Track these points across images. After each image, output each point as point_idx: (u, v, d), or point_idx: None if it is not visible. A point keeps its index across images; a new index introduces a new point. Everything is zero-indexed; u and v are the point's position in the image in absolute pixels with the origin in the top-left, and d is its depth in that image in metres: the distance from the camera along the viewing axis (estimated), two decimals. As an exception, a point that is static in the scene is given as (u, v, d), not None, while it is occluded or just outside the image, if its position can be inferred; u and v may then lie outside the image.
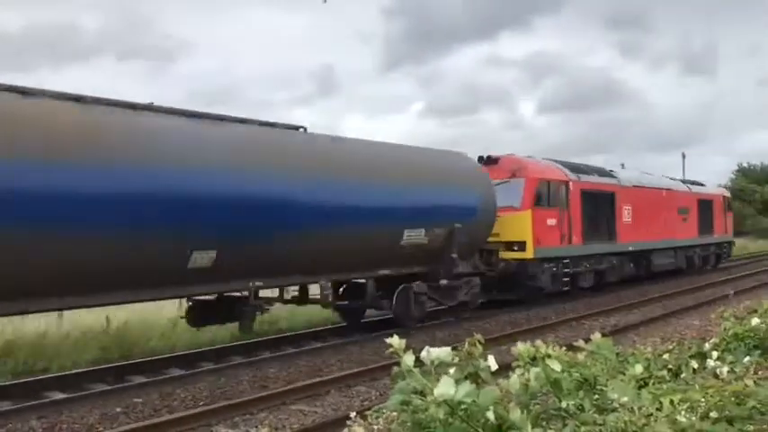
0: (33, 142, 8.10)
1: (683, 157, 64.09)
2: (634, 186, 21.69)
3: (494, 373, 2.66)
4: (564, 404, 2.60)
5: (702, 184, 29.48)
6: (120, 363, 11.17)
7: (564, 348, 2.90)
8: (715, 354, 4.09)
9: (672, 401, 2.69)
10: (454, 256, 14.01)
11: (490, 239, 15.64)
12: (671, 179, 26.69)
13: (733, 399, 2.69)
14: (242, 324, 11.49)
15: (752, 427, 2.56)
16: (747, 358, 4.01)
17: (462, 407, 2.30)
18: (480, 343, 2.70)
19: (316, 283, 12.10)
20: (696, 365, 3.88)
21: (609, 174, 21.26)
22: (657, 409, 2.63)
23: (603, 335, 3.38)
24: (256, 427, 7.80)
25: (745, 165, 69.26)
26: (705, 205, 27.09)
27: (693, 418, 2.54)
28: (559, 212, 17.72)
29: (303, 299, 12.90)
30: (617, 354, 3.50)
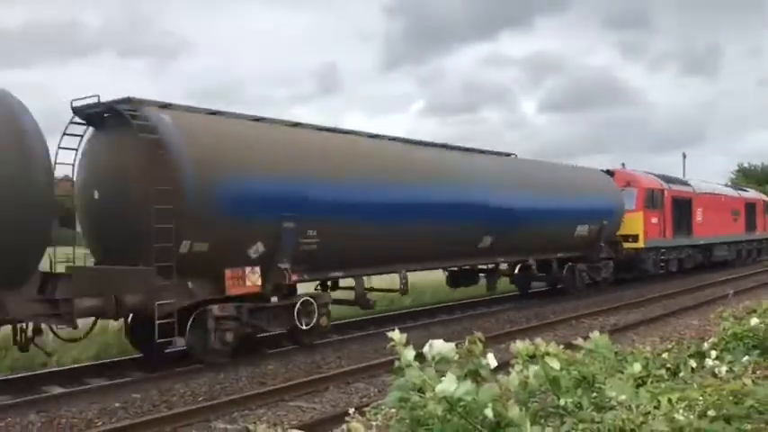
0: (410, 174, 13.91)
1: (684, 157, 64.09)
2: (703, 193, 27.52)
3: (493, 371, 2.66)
4: (562, 402, 2.61)
5: (746, 190, 35.64)
6: (120, 358, 11.19)
7: (563, 347, 2.90)
8: (714, 353, 4.10)
9: (670, 400, 2.70)
10: (602, 244, 19.98)
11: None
12: (724, 186, 34.23)
13: (731, 398, 2.70)
14: (489, 284, 17.50)
15: (750, 426, 2.56)
16: (746, 358, 4.02)
17: (461, 404, 2.31)
18: (480, 341, 2.70)
19: (528, 259, 17.74)
20: (695, 365, 3.88)
21: (687, 183, 27.29)
22: (655, 408, 2.64)
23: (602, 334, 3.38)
24: (255, 422, 7.80)
25: (745, 165, 69.39)
26: (750, 208, 32.87)
27: (691, 417, 2.54)
28: (659, 213, 23.30)
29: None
30: (615, 352, 3.50)
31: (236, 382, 9.70)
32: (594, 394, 2.80)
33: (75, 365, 10.65)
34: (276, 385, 9.32)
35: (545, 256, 18.22)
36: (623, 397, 2.72)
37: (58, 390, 9.25)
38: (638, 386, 3.12)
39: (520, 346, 2.74)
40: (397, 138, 14.96)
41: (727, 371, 3.57)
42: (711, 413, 2.60)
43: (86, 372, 10.28)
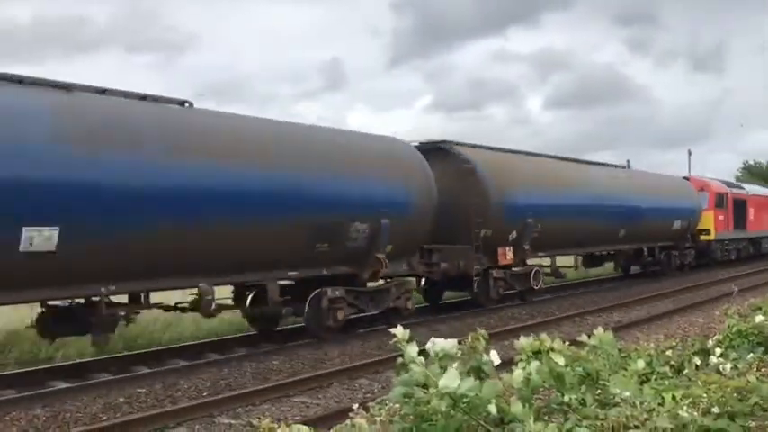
0: (594, 188, 19.61)
1: (689, 153, 63.82)
2: (755, 195, 33.03)
3: (497, 368, 2.66)
4: (566, 398, 2.61)
5: None
6: (125, 353, 11.22)
7: (567, 343, 2.90)
8: (718, 350, 4.09)
9: (674, 397, 2.70)
10: (689, 235, 25.57)
11: None
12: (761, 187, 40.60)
13: (735, 395, 2.70)
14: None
15: (753, 423, 2.56)
16: (750, 355, 4.01)
17: (465, 400, 2.31)
18: (484, 338, 2.70)
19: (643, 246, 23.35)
20: (699, 362, 3.88)
21: (741, 187, 33.13)
22: (659, 405, 2.64)
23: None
24: (258, 418, 7.81)
25: (751, 162, 69.27)
26: None
27: (695, 414, 2.54)
28: (724, 212, 28.49)
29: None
30: (619, 349, 3.50)
31: (239, 378, 9.72)
32: (598, 391, 2.80)
33: (81, 360, 10.69)
34: (280, 381, 9.34)
35: (653, 244, 23.71)
36: (627, 393, 2.72)
37: (62, 384, 9.28)
38: (642, 383, 3.12)
39: (524, 342, 2.74)
40: (578, 160, 21.33)
41: (731, 368, 3.57)
42: (715, 410, 2.60)
43: (91, 366, 10.31)
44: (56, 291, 8.84)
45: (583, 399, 2.66)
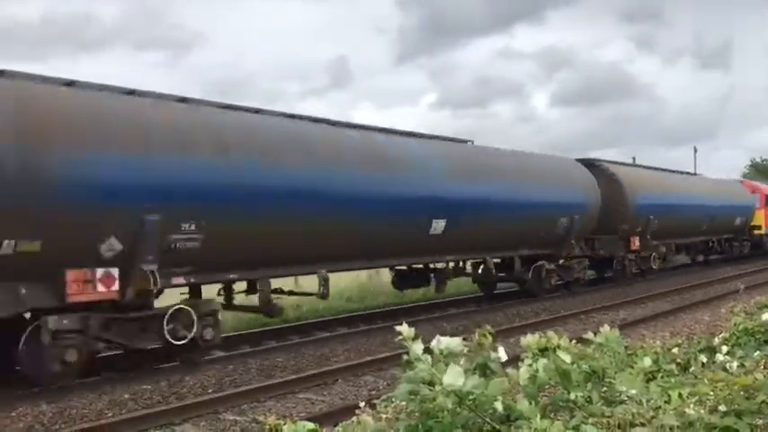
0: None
1: (695, 151, 63.85)
2: None
3: (503, 365, 2.66)
4: (572, 396, 2.60)
5: None
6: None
7: (573, 341, 2.89)
8: (725, 348, 4.08)
9: (680, 395, 2.69)
10: (746, 230, 30.47)
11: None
12: None
13: (742, 393, 2.68)
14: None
15: (761, 421, 2.55)
16: (757, 353, 3.99)
17: (471, 397, 2.31)
18: (490, 334, 2.70)
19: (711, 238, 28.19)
20: (705, 360, 3.87)
21: None
22: (666, 402, 2.63)
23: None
24: (264, 414, 7.82)
25: (758, 159, 69.16)
26: None
27: (702, 412, 2.53)
28: None
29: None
30: (626, 347, 3.49)
31: (244, 374, 9.74)
32: (604, 388, 2.79)
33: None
34: (285, 377, 9.35)
35: (721, 236, 28.61)
36: (633, 391, 2.71)
37: (68, 380, 9.29)
38: (648, 381, 3.11)
39: (530, 339, 2.74)
40: (681, 171, 27.08)
41: (738, 366, 3.55)
42: (722, 408, 2.59)
43: (96, 363, 10.32)
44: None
45: (589, 396, 2.65)
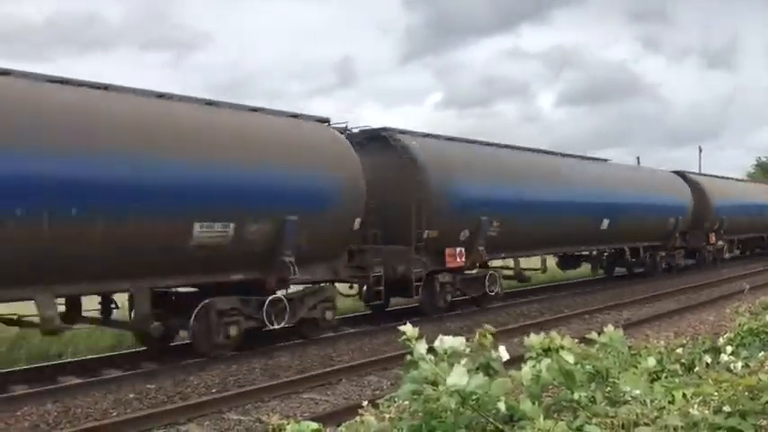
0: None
1: (700, 150, 63.47)
2: None
3: (505, 365, 2.66)
4: (576, 396, 2.60)
5: None
6: (135, 350, 11.27)
7: (577, 341, 2.88)
8: (729, 348, 4.06)
9: (684, 395, 2.68)
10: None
11: None
12: None
13: (747, 393, 2.68)
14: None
15: (765, 422, 2.54)
16: (762, 353, 3.98)
17: (474, 397, 2.31)
18: (491, 334, 2.69)
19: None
20: (709, 360, 3.86)
21: None
22: (670, 403, 2.62)
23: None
24: (268, 414, 7.82)
25: (763, 159, 68.95)
26: None
27: (706, 412, 2.52)
28: None
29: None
30: (629, 347, 3.48)
31: (248, 374, 9.75)
32: (608, 388, 2.78)
33: (91, 356, 10.75)
34: (289, 377, 9.36)
35: (760, 234, 32.18)
36: (637, 391, 2.71)
37: (73, 380, 9.33)
38: (652, 381, 3.10)
39: (534, 339, 2.73)
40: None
41: (742, 366, 3.54)
42: (726, 408, 2.58)
43: (101, 363, 10.37)
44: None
45: (592, 396, 2.64)
